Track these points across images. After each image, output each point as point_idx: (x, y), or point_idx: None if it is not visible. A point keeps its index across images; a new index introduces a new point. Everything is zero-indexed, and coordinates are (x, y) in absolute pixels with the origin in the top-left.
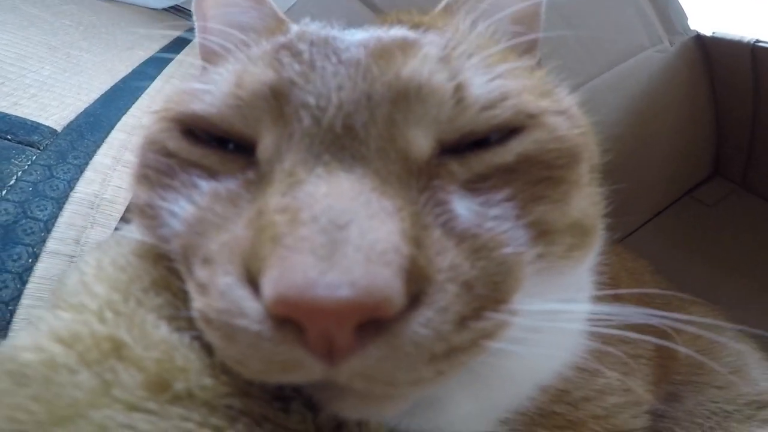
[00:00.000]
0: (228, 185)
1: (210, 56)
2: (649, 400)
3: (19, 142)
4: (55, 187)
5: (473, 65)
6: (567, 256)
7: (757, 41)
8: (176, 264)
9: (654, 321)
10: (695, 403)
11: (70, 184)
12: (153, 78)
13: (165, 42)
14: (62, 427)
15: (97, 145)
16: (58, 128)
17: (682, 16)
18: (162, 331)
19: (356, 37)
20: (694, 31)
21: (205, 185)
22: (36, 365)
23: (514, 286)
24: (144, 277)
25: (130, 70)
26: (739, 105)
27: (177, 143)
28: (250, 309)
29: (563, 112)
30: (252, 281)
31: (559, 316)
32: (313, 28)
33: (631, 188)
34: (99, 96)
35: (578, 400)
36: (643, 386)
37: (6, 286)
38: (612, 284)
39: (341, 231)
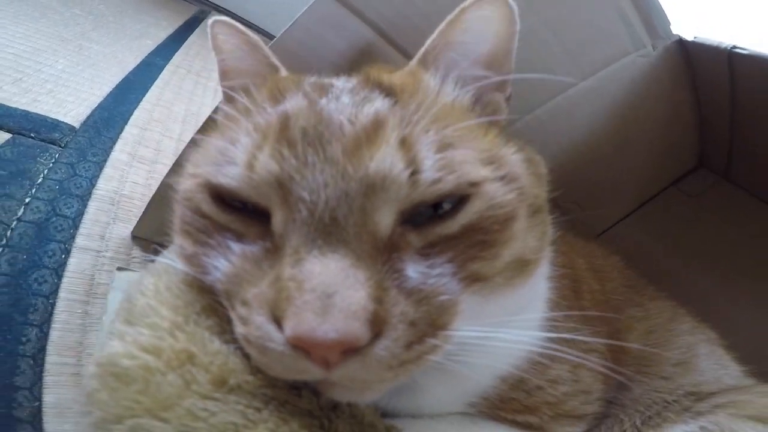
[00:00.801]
0: (253, 250)
1: (229, 88)
2: (598, 388)
3: (42, 140)
4: (79, 185)
5: (427, 144)
6: (507, 284)
7: (734, 47)
8: (219, 297)
9: (586, 339)
10: (641, 392)
11: (92, 182)
12: (161, 68)
13: (171, 29)
14: (166, 412)
15: (113, 142)
16: (76, 125)
17: (665, 21)
18: (216, 344)
19: (339, 119)
20: (677, 35)
21: (236, 247)
22: (135, 369)
23: (448, 321)
24: (195, 304)
25: (139, 60)
26: (719, 105)
27: (209, 207)
28: (276, 337)
29: (503, 177)
30: (276, 320)
31: (496, 338)
32: (301, 106)
33: (616, 180)
34: (111, 89)
35: (532, 389)
36: (593, 376)
37: (45, 281)
38: (573, 287)
39: (330, 298)
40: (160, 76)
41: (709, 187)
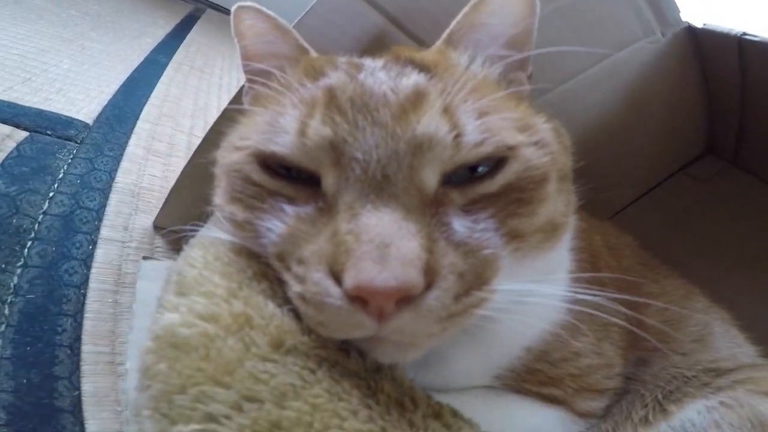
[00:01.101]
0: (306, 210)
1: (255, 72)
2: (619, 363)
3: (58, 137)
4: (99, 179)
5: (467, 111)
6: (539, 247)
7: (744, 34)
8: (268, 260)
9: (606, 302)
10: (660, 368)
11: (111, 175)
12: (164, 65)
13: (169, 28)
14: (228, 376)
15: (127, 137)
16: (89, 121)
17: (674, 9)
18: (270, 307)
19: (382, 89)
20: (686, 22)
21: (289, 209)
22: (195, 336)
23: (492, 274)
24: (247, 270)
25: (142, 58)
26: (729, 92)
27: (259, 176)
28: (334, 292)
29: (536, 142)
30: (334, 275)
31: (534, 292)
32: (344, 80)
33: (624, 164)
34: (119, 87)
35: (557, 360)
36: (615, 350)
37: (75, 272)
38: (591, 261)
39: (387, 248)
40: (165, 72)
41: (716, 173)
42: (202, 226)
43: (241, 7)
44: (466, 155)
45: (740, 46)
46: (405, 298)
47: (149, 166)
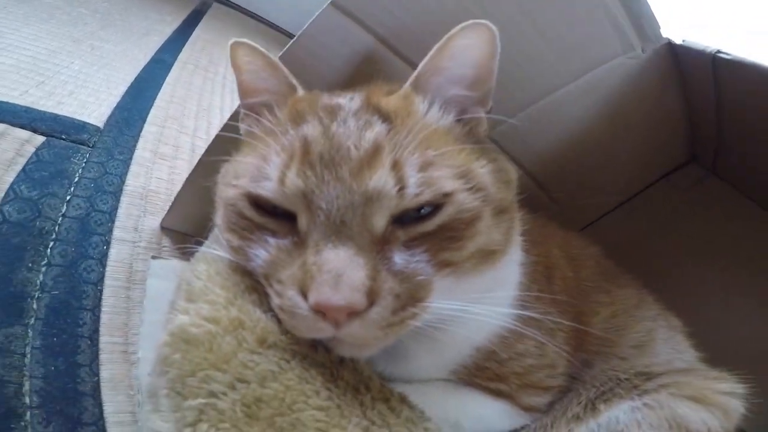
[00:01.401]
0: (285, 243)
1: (249, 106)
2: (561, 364)
3: (72, 141)
4: (110, 183)
5: (413, 165)
6: (475, 270)
7: (718, 51)
8: (257, 278)
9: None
10: (599, 370)
11: (122, 179)
12: (170, 65)
13: (176, 24)
14: (225, 364)
15: (135, 140)
16: (100, 125)
17: (655, 25)
18: (257, 313)
19: (347, 144)
20: (666, 39)
21: (272, 241)
22: (201, 334)
23: (425, 295)
24: (240, 284)
25: (149, 58)
26: (706, 107)
27: (249, 212)
28: (302, 305)
29: (471, 187)
30: (303, 294)
31: (468, 310)
32: (317, 133)
33: (607, 172)
34: (126, 89)
35: (503, 360)
36: (558, 353)
37: (93, 270)
38: (546, 273)
39: (340, 277)
40: (170, 73)
41: (698, 182)
42: (203, 241)
43: (238, 43)
44: (407, 203)
45: (714, 63)
46: (353, 312)
47: (156, 170)
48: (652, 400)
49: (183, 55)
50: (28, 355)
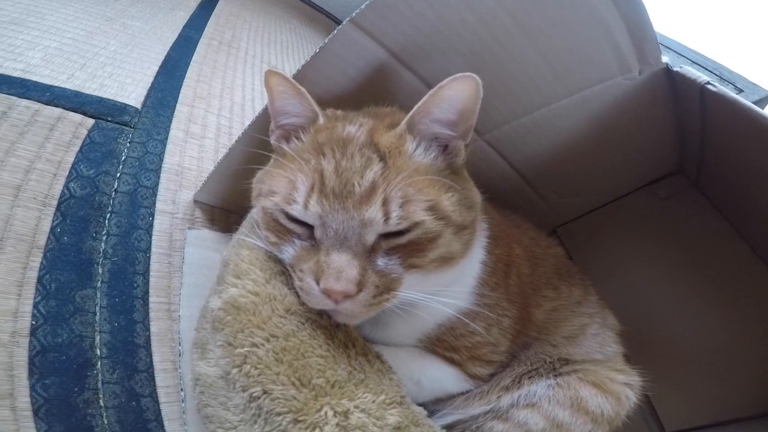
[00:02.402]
0: (306, 245)
1: (279, 124)
2: (503, 344)
3: (117, 123)
4: (152, 161)
5: (396, 201)
6: (437, 269)
7: (707, 83)
8: (284, 266)
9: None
10: (534, 352)
11: (160, 157)
12: (196, 42)
13: None
14: (264, 325)
15: (169, 120)
16: (138, 105)
17: (656, 50)
18: (285, 290)
19: (353, 180)
20: (665, 63)
21: (298, 242)
22: (247, 303)
23: (396, 286)
24: (274, 268)
25: (176, 35)
26: (693, 127)
27: (283, 220)
28: (315, 289)
29: (435, 216)
30: (316, 281)
31: (427, 300)
32: (331, 169)
33: (591, 178)
34: (158, 69)
35: (457, 335)
36: (502, 335)
37: (142, 239)
38: (505, 269)
39: (341, 273)
40: (197, 50)
41: (679, 192)
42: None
43: (271, 72)
44: (389, 228)
45: (702, 93)
46: (347, 296)
47: (188, 148)
48: (563, 381)
49: (208, 30)
50: (98, 314)
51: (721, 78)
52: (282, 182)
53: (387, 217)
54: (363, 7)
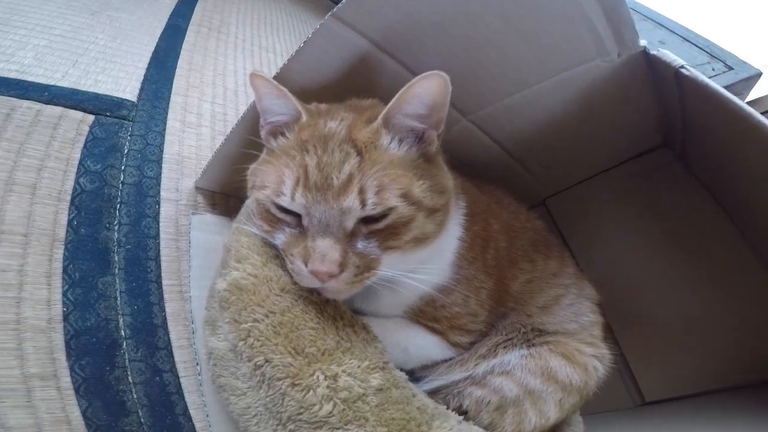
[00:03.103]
0: (294, 232)
1: (267, 121)
2: (482, 314)
3: (116, 117)
4: (152, 153)
5: (372, 188)
6: (413, 249)
7: (681, 66)
8: (278, 250)
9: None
10: (510, 322)
11: (160, 148)
12: (185, 31)
13: None
14: (263, 302)
15: (166, 112)
16: (134, 99)
17: (634, 33)
18: (280, 271)
19: (332, 174)
20: (642, 46)
21: (288, 230)
22: (248, 284)
23: (376, 266)
24: (269, 253)
25: (164, 24)
26: (673, 104)
27: (274, 210)
28: (304, 270)
29: (407, 201)
30: (305, 263)
31: (406, 277)
32: (313, 164)
33: (578, 153)
34: (149, 60)
35: (438, 306)
36: (480, 305)
37: (150, 227)
38: (483, 244)
39: (325, 256)
40: (186, 38)
41: (664, 165)
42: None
43: (255, 75)
44: (366, 213)
45: (677, 75)
46: (332, 275)
47: (186, 138)
48: (535, 351)
49: (196, 18)
50: (119, 298)
51: (712, 55)
52: (272, 176)
53: (363, 204)
54: (343, 1)
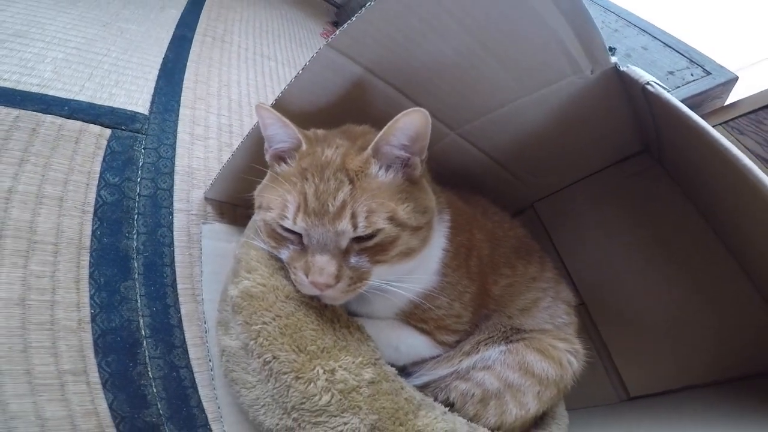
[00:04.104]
0: (296, 248)
1: (272, 147)
2: (466, 315)
3: (130, 131)
4: (165, 165)
5: (362, 213)
6: (400, 262)
7: (647, 83)
8: (283, 264)
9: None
10: (492, 323)
11: (172, 161)
12: (191, 41)
13: None
14: (271, 308)
15: (175, 124)
16: (146, 112)
17: (604, 51)
18: (284, 281)
19: (328, 201)
20: (614, 63)
21: (291, 247)
22: (257, 292)
23: (366, 277)
24: (275, 265)
25: (170, 35)
26: (645, 115)
27: (279, 230)
28: (305, 281)
29: (397, 224)
30: (305, 275)
31: (392, 285)
32: (311, 192)
33: (560, 160)
34: (158, 72)
35: (425, 309)
36: (464, 307)
37: (165, 235)
38: (467, 253)
39: (323, 270)
40: (192, 49)
41: (644, 170)
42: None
43: (260, 107)
44: (358, 233)
45: (644, 91)
46: (328, 286)
47: (195, 150)
48: (513, 347)
49: (201, 27)
50: (139, 301)
51: (692, 60)
52: (276, 201)
53: (355, 227)
54: (338, 32)
